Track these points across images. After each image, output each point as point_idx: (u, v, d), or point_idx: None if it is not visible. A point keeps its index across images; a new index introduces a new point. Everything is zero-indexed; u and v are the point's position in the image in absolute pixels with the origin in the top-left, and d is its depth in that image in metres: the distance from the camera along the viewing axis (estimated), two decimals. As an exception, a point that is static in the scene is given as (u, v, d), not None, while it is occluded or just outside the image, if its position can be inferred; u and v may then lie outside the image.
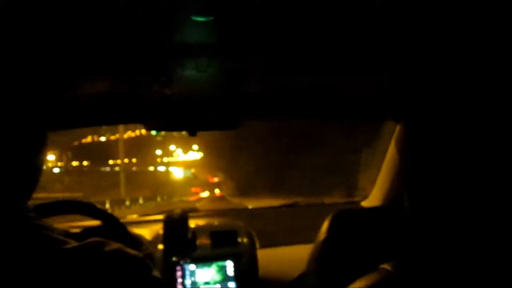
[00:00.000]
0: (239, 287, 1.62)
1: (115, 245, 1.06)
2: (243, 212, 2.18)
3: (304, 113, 1.69)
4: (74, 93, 1.43)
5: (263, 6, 1.00)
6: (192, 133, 1.65)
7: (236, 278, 1.63)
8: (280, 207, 2.14)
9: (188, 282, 1.62)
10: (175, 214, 1.67)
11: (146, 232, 1.74)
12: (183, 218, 1.67)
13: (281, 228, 1.82)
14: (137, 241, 1.60)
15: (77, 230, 1.46)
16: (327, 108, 1.61)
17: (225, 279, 1.63)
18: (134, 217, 2.18)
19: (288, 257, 1.70)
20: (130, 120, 1.68)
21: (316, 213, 1.39)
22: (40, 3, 0.89)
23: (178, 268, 1.63)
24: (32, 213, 0.82)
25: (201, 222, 1.83)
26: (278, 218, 1.93)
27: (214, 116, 1.63)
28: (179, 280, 1.62)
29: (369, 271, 0.76)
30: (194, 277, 1.63)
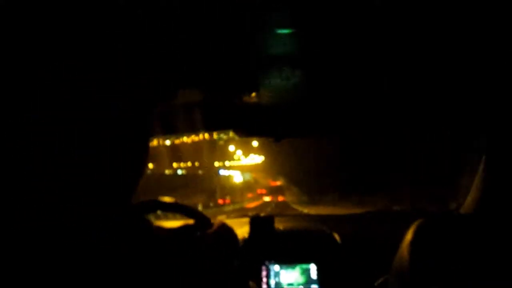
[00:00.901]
0: None
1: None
2: (327, 218, 2.21)
3: (388, 125, 1.71)
4: (171, 103, 1.54)
5: (343, 17, 1.05)
6: (278, 139, 1.72)
7: (319, 281, 1.67)
8: (364, 213, 2.16)
9: (272, 282, 1.69)
10: (261, 215, 1.75)
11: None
12: (270, 219, 1.75)
13: (367, 233, 1.83)
14: (224, 240, 1.70)
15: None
16: (415, 119, 1.62)
17: (308, 281, 1.68)
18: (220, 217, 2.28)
19: (372, 263, 1.72)
20: (221, 127, 1.78)
21: (403, 221, 1.40)
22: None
23: (264, 268, 1.70)
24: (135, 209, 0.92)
25: (286, 224, 1.90)
26: (362, 224, 1.95)
27: (298, 123, 1.69)
28: (264, 279, 1.69)
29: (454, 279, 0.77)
30: (279, 277, 1.69)
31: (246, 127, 1.69)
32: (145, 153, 0.95)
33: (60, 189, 0.74)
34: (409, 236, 1.28)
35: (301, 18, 1.07)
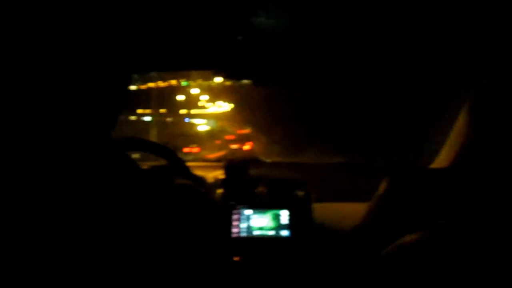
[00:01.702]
0: (292, 235, 1.70)
1: (183, 181, 1.12)
2: (301, 166, 2.23)
3: (367, 80, 1.69)
4: (157, 37, 1.47)
5: None
6: (257, 84, 1.69)
7: (290, 227, 1.70)
8: (339, 164, 2.18)
9: (243, 225, 1.71)
10: (236, 160, 1.74)
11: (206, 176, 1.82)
12: (244, 165, 1.74)
13: (339, 184, 1.86)
14: (199, 181, 1.69)
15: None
16: (394, 73, 1.62)
17: (279, 226, 1.71)
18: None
19: (343, 213, 1.75)
20: (202, 67, 1.72)
21: (377, 174, 1.41)
22: None
23: (235, 211, 1.71)
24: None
25: (259, 171, 1.90)
26: (336, 174, 1.97)
27: (279, 71, 1.66)
28: (235, 223, 1.70)
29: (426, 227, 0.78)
30: (249, 221, 1.71)
31: (228, 68, 1.64)
32: (125, 88, 0.91)
33: (42, 120, 0.70)
34: (381, 189, 1.29)
35: None
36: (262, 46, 1.53)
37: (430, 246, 0.73)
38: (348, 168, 2.11)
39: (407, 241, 0.77)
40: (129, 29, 0.92)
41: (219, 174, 1.81)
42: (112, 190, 0.81)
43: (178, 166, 1.61)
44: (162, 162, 1.66)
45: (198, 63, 1.64)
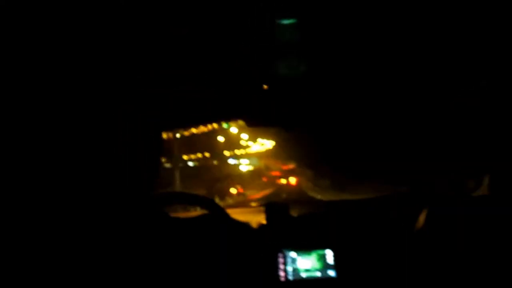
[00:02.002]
0: (338, 275, 1.69)
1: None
2: (340, 203, 2.23)
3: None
4: (183, 95, 1.56)
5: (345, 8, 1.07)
6: (288, 129, 1.74)
7: (336, 266, 1.70)
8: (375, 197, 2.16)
9: (289, 268, 1.72)
10: (277, 203, 1.78)
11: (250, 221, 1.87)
12: (285, 206, 1.78)
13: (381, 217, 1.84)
14: (241, 228, 1.74)
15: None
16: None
17: (325, 267, 1.71)
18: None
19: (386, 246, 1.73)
20: (232, 117, 1.80)
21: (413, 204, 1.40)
22: None
23: (280, 255, 1.73)
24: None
25: (301, 211, 1.92)
26: (375, 207, 1.95)
27: (308, 113, 1.71)
28: (281, 266, 1.72)
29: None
30: (296, 264, 1.73)
31: (256, 117, 1.71)
32: (158, 147, 0.99)
33: (83, 186, 0.77)
34: (421, 220, 1.28)
35: (302, 9, 1.09)
36: (285, 93, 1.60)
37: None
38: (385, 200, 2.09)
39: None
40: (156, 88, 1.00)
41: (262, 218, 1.85)
42: (151, 245, 0.86)
43: (219, 214, 1.67)
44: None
45: (226, 114, 1.72)
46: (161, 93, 1.54)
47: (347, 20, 1.17)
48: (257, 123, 1.81)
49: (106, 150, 0.84)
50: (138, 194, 0.91)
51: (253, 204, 2.45)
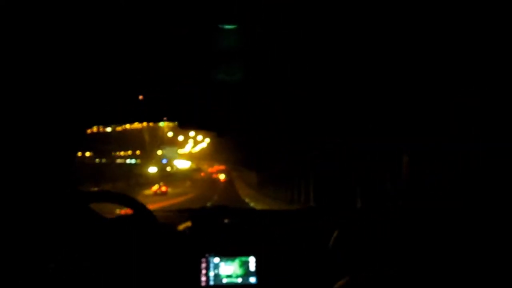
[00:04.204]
0: (260, 282, 1.72)
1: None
2: (265, 213, 2.27)
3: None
4: (116, 94, 1.52)
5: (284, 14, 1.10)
6: (220, 135, 1.75)
7: (257, 273, 1.72)
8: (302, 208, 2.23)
9: (211, 274, 1.72)
10: (204, 209, 1.78)
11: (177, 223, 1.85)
12: (211, 213, 1.78)
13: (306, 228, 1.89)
14: (166, 230, 1.71)
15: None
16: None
17: (247, 273, 1.73)
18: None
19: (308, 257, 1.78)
20: (168, 119, 1.78)
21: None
22: None
23: (203, 260, 1.73)
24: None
25: (227, 218, 1.93)
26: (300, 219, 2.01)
27: (242, 121, 1.73)
28: (203, 271, 1.72)
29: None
30: (218, 269, 1.73)
31: (190, 120, 1.70)
32: (78, 142, 0.96)
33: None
34: (335, 234, 1.34)
35: (245, 14, 1.10)
36: (220, 98, 1.60)
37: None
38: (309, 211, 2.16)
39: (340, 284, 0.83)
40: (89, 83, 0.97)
41: (188, 223, 1.84)
42: (76, 242, 0.84)
43: (145, 216, 1.63)
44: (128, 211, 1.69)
45: (155, 115, 1.70)
46: (95, 87, 1.49)
47: (289, 25, 1.19)
48: (189, 125, 1.80)
49: (26, 143, 0.80)
50: (58, 189, 0.88)
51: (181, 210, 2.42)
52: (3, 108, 0.73)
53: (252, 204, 17.38)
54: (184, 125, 1.73)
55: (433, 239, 0.90)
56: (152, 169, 33.09)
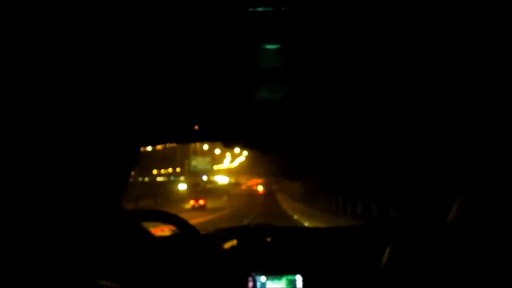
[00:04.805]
0: None
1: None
2: (310, 231, 2.24)
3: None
4: (165, 116, 1.55)
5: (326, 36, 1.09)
6: (266, 152, 1.75)
7: None
8: (349, 226, 2.18)
9: (258, 293, 1.71)
10: (250, 227, 1.77)
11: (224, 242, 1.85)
12: (257, 231, 1.77)
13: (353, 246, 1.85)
14: (212, 250, 1.72)
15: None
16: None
17: (295, 292, 1.70)
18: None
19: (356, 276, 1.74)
20: (213, 138, 1.80)
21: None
22: None
23: (250, 279, 1.72)
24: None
25: (273, 235, 1.92)
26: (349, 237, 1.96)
27: (286, 138, 1.73)
28: None
29: None
30: (265, 288, 1.71)
31: (235, 139, 1.72)
32: (133, 163, 0.98)
33: (57, 197, 0.75)
34: (386, 254, 1.29)
35: (287, 34, 1.10)
36: (264, 116, 1.61)
37: None
38: (362, 228, 2.10)
39: None
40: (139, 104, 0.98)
41: (233, 241, 1.84)
42: (125, 261, 0.85)
43: (191, 235, 1.65)
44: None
45: (200, 136, 1.72)
46: (149, 106, 1.52)
47: (330, 47, 1.18)
48: (234, 144, 1.81)
49: (80, 161, 0.82)
50: (107, 208, 0.90)
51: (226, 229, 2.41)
52: (60, 121, 0.75)
53: (296, 217, 17.36)
54: (229, 144, 1.75)
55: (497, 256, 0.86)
56: (182, 186, 32.68)
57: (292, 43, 1.15)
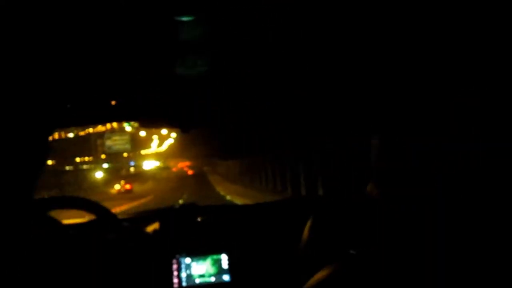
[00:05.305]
0: (233, 279, 1.68)
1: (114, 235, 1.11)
2: (236, 209, 2.22)
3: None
4: (77, 94, 1.45)
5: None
6: (185, 130, 1.69)
7: (231, 271, 1.68)
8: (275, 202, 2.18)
9: (183, 275, 1.67)
10: (173, 207, 1.72)
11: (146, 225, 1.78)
12: (180, 213, 1.72)
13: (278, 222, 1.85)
14: (133, 234, 1.65)
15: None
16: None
17: (220, 272, 1.68)
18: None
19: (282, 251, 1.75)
20: (126, 118, 1.71)
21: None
22: None
23: (174, 261, 1.67)
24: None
25: (199, 216, 1.87)
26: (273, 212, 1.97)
27: (204, 114, 1.68)
28: (175, 273, 1.66)
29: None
30: (190, 270, 1.68)
31: (152, 118, 1.64)
32: (44, 149, 0.89)
33: None
34: (307, 228, 1.31)
35: (202, 5, 1.05)
36: (181, 93, 1.55)
37: (342, 277, 0.75)
38: (285, 204, 2.12)
39: (323, 275, 0.79)
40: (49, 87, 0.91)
41: (156, 224, 1.77)
42: (34, 251, 0.79)
43: (109, 220, 1.57)
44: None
45: (118, 115, 1.63)
46: (54, 89, 1.42)
47: (250, 16, 1.14)
48: (152, 124, 1.74)
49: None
50: (18, 198, 0.82)
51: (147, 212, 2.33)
52: None
53: (228, 197, 17.23)
54: (145, 124, 1.67)
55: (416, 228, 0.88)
56: (99, 174, 30.74)
57: (209, 14, 1.10)
